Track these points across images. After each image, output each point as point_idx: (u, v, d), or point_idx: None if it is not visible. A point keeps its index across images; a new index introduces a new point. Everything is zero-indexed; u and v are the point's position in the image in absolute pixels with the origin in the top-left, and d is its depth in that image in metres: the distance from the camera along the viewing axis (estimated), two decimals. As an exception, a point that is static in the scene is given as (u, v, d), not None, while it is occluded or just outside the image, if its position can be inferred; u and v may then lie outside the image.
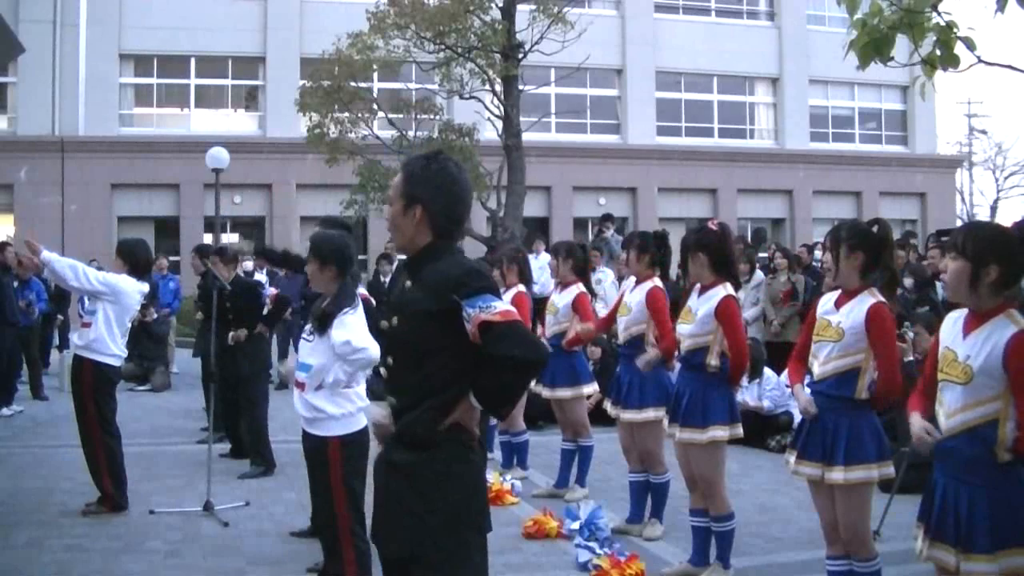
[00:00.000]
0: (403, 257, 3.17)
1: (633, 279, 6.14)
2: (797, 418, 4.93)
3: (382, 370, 3.09)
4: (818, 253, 12.68)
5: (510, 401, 2.93)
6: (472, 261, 3.14)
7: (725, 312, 5.02)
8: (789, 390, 9.01)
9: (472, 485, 2.92)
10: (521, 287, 7.40)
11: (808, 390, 4.26)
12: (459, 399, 2.84)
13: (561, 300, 7.02)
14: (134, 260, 6.62)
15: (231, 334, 7.74)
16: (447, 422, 2.84)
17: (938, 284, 8.75)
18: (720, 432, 5.00)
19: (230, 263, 8.21)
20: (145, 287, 6.75)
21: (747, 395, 9.05)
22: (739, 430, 5.10)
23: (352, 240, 4.85)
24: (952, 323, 3.41)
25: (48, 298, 12.52)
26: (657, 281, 5.90)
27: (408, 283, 2.99)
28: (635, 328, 5.94)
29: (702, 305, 5.08)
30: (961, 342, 3.31)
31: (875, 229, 4.17)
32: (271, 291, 9.26)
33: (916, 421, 3.41)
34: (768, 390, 9.13)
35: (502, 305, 2.81)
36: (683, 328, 5.17)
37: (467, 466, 2.90)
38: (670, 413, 5.21)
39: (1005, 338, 3.18)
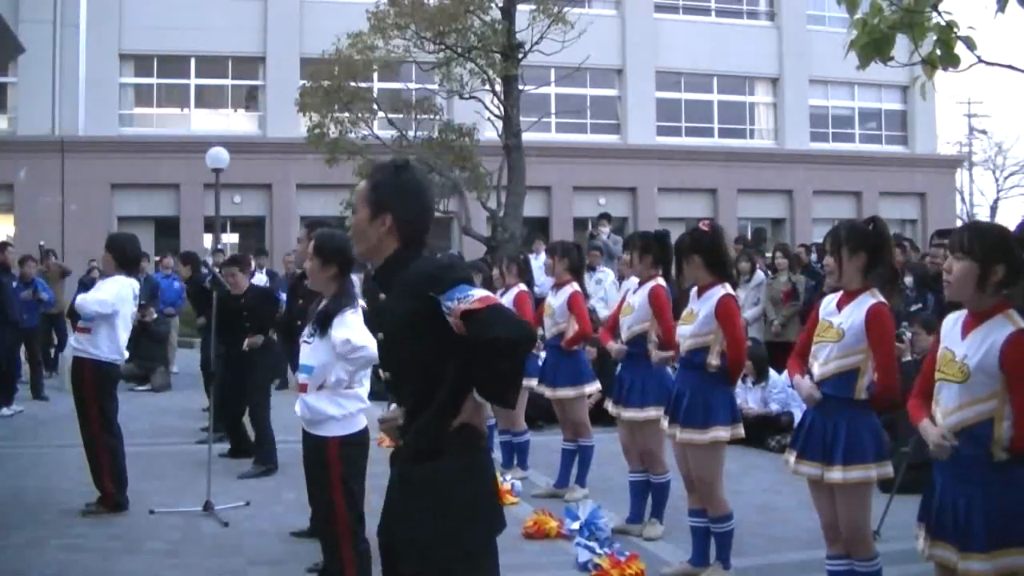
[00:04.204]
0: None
1: (636, 279, 6.16)
2: (798, 418, 4.92)
3: (382, 373, 3.07)
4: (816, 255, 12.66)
5: (510, 387, 2.87)
6: (442, 257, 3.11)
7: (724, 310, 5.04)
8: (791, 389, 9.03)
9: (486, 488, 2.91)
10: (522, 286, 7.51)
11: (808, 377, 4.24)
12: (463, 398, 2.82)
13: (556, 300, 7.05)
14: (123, 256, 6.64)
15: (248, 340, 7.77)
16: (456, 423, 2.82)
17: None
18: (722, 432, 5.01)
19: (246, 270, 8.31)
20: (135, 283, 6.76)
21: (750, 398, 9.02)
22: (740, 430, 5.11)
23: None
24: (952, 323, 3.42)
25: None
26: (660, 280, 5.93)
27: (382, 296, 2.97)
28: (638, 327, 5.96)
29: (703, 306, 5.10)
30: (960, 342, 3.32)
31: (871, 227, 4.17)
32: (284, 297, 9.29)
33: (931, 430, 3.33)
34: (775, 393, 9.08)
35: (480, 292, 2.78)
36: (684, 329, 5.18)
37: (479, 469, 2.90)
38: (669, 413, 5.21)
39: (1003, 337, 3.20)
